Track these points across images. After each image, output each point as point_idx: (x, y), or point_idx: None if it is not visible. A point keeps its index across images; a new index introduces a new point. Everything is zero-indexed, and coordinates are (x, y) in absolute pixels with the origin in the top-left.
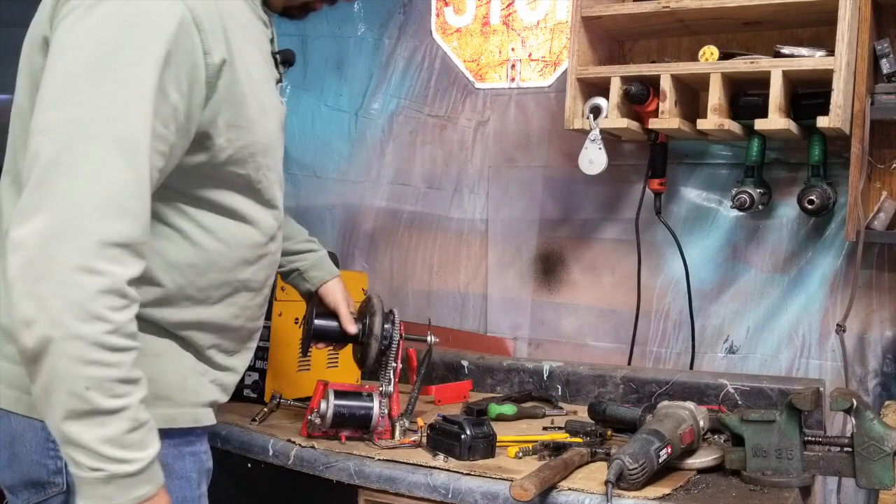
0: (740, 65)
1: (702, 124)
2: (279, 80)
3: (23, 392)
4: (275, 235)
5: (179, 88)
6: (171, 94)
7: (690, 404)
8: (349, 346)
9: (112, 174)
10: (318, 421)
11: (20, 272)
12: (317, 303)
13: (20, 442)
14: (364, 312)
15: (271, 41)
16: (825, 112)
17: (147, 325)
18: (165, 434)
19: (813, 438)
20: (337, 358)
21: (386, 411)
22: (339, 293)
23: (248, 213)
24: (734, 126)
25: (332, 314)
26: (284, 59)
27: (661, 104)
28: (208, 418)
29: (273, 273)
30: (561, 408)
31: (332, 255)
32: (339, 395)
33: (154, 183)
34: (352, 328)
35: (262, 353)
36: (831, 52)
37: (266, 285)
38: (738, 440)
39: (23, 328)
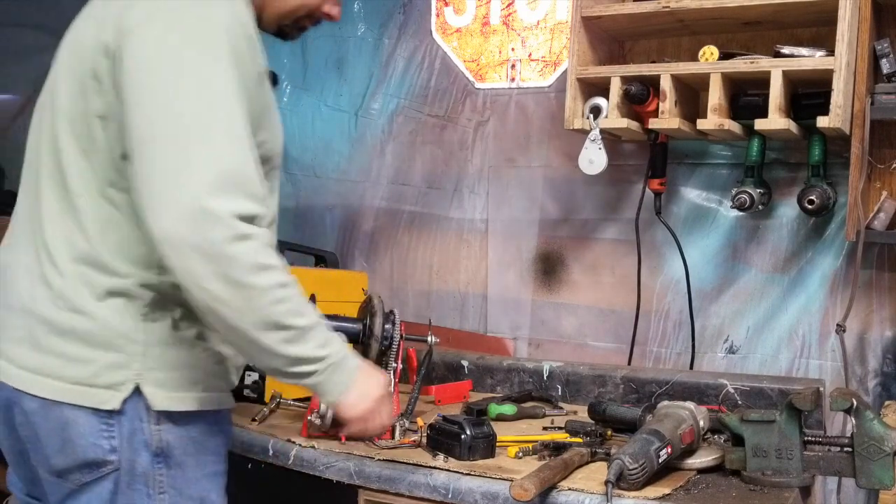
0: (740, 65)
1: (702, 124)
2: None
3: (71, 383)
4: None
5: (249, 89)
6: (245, 92)
7: (690, 404)
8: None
9: (234, 165)
10: (317, 421)
11: (191, 261)
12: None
13: (73, 427)
14: (364, 313)
15: None
16: (825, 112)
17: (190, 312)
18: (200, 416)
19: (813, 438)
20: None
21: None
22: None
23: None
24: (734, 126)
25: (332, 314)
26: (272, 79)
27: (661, 104)
28: (230, 401)
29: None
30: (561, 408)
31: (332, 255)
32: None
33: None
34: None
35: None
36: (831, 52)
37: None
38: (738, 440)
39: (221, 307)
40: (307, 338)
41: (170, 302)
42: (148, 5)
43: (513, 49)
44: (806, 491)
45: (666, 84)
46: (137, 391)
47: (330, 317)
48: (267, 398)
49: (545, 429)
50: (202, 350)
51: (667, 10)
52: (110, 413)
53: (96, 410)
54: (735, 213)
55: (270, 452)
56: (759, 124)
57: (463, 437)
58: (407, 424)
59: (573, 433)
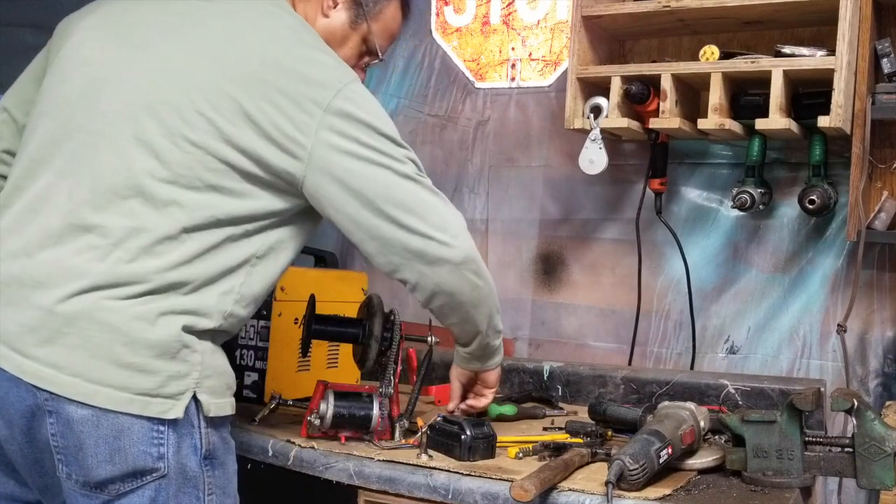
0: (741, 64)
1: (702, 124)
2: None
3: (134, 394)
4: None
5: None
6: None
7: (691, 405)
8: (349, 346)
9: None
10: (317, 422)
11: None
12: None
13: (127, 435)
14: (364, 313)
15: None
16: (826, 112)
17: (238, 322)
18: (227, 417)
19: (814, 439)
20: (337, 358)
21: (386, 412)
22: None
23: None
24: (735, 126)
25: (332, 314)
26: None
27: (661, 104)
28: None
29: None
30: (561, 408)
31: (332, 256)
32: (339, 395)
33: None
34: None
35: (261, 353)
36: (832, 52)
37: None
38: (738, 441)
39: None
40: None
41: (220, 316)
42: None
43: (513, 48)
44: (807, 491)
45: (666, 84)
46: (193, 399)
47: (329, 317)
48: (266, 398)
49: (545, 429)
50: (224, 356)
51: (667, 9)
52: (163, 420)
53: (151, 418)
54: (736, 212)
55: (270, 453)
56: (760, 124)
57: (463, 437)
58: (407, 425)
59: (573, 433)
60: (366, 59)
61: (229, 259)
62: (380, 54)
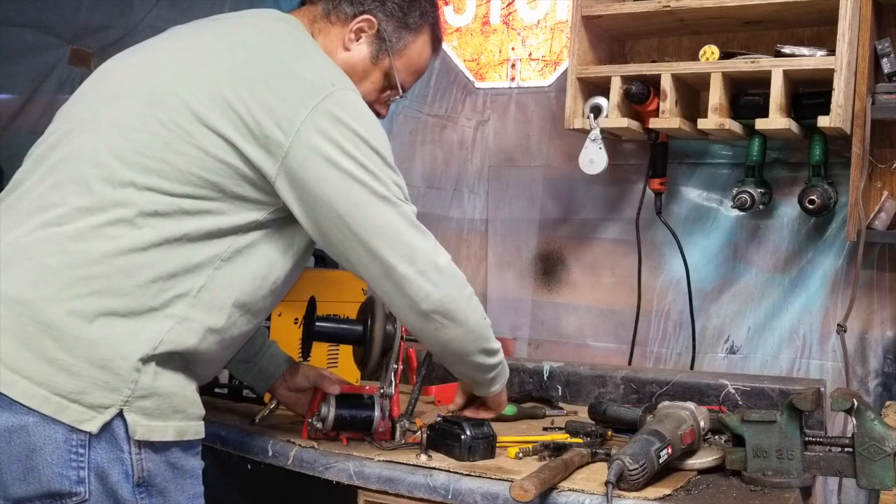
0: (741, 64)
1: (702, 124)
2: None
3: (52, 393)
4: None
5: None
6: None
7: (691, 405)
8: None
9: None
10: (319, 425)
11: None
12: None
13: (39, 455)
14: (365, 314)
15: None
16: (826, 112)
17: (202, 328)
18: (177, 441)
19: (814, 439)
20: (337, 358)
21: (387, 413)
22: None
23: None
24: (735, 126)
25: (333, 315)
26: None
27: (661, 104)
28: (203, 431)
29: None
30: (561, 408)
31: None
32: (340, 398)
33: None
34: (335, 388)
35: None
36: (832, 52)
37: None
38: (738, 440)
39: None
40: (493, 353)
41: (184, 331)
42: None
43: (513, 48)
44: (806, 491)
45: (666, 83)
46: (119, 417)
47: (330, 318)
48: (267, 398)
49: (545, 429)
50: (185, 377)
51: (667, 9)
52: (82, 441)
53: (67, 438)
54: (736, 212)
55: (270, 453)
56: (760, 124)
57: (463, 437)
58: (407, 425)
59: (573, 433)
60: (387, 93)
61: (189, 256)
62: (401, 91)
